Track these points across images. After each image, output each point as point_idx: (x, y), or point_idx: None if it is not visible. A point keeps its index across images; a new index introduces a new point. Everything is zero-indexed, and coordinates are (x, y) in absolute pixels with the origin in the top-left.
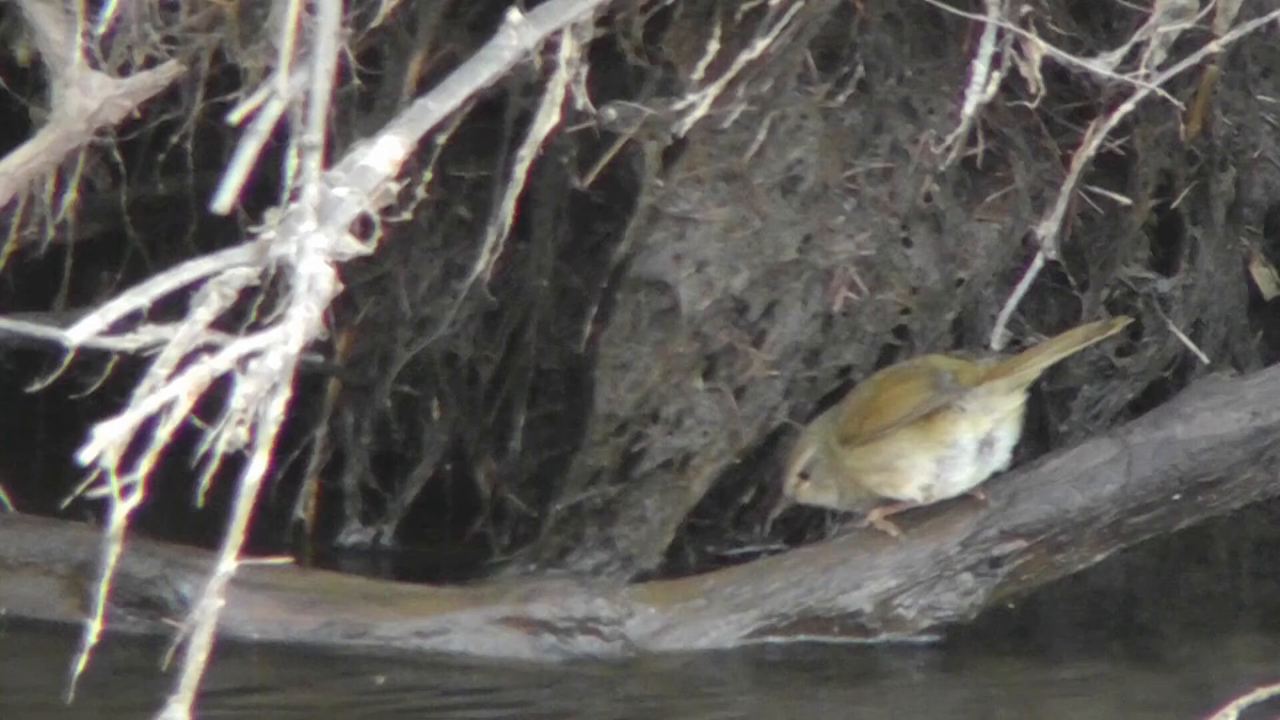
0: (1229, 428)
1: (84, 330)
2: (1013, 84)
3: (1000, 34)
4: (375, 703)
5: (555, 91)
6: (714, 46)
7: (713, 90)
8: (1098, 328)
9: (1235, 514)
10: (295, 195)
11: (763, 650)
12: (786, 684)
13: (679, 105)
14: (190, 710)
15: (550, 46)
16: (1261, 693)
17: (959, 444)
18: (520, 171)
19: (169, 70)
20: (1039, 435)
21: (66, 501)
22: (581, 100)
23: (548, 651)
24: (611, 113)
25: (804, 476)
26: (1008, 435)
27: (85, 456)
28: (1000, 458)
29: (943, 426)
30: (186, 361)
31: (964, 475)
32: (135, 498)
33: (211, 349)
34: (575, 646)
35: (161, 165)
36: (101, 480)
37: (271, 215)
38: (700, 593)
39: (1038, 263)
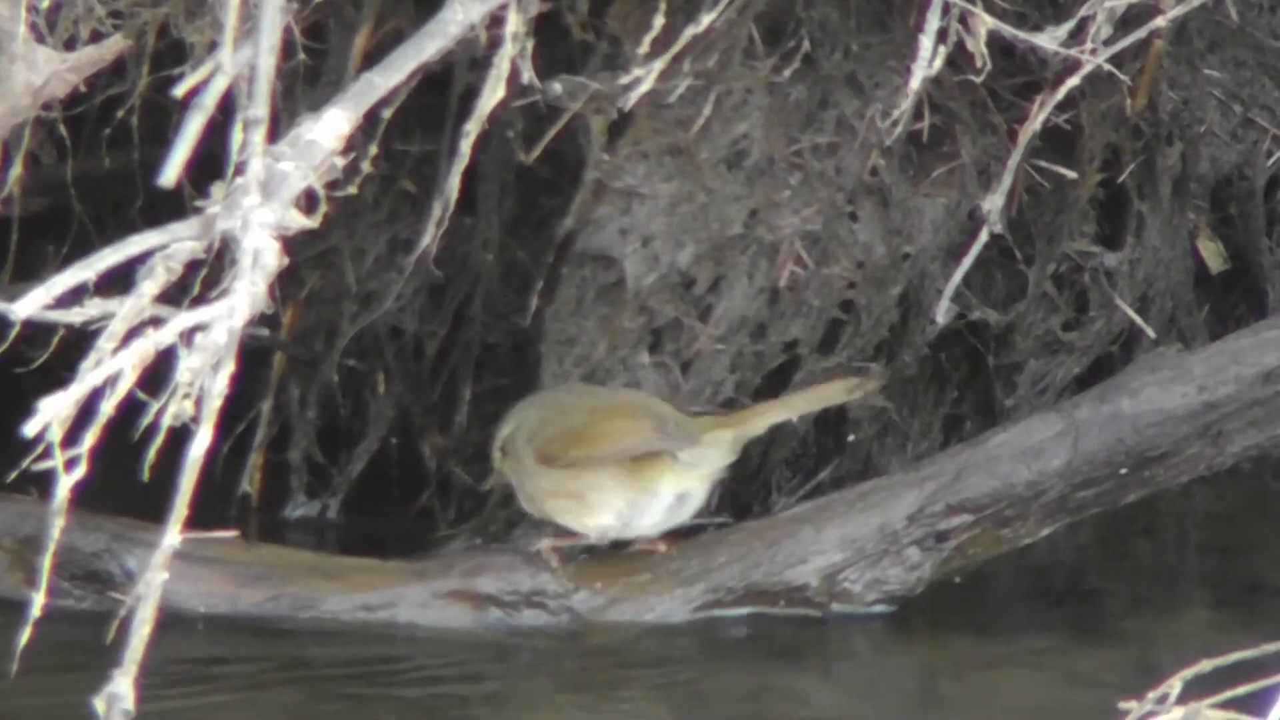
0: (1175, 402)
1: (30, 304)
2: (959, 59)
3: (946, 8)
4: (322, 677)
5: (501, 66)
6: (659, 21)
7: (658, 65)
8: (850, 385)
9: (1182, 488)
10: (240, 170)
11: (710, 624)
12: (734, 657)
13: (625, 80)
14: (134, 683)
15: (496, 21)
16: (1206, 665)
17: (658, 492)
18: (466, 146)
19: (115, 45)
20: (985, 410)
21: (12, 475)
22: (527, 75)
23: (494, 625)
24: (557, 87)
25: (504, 452)
26: (701, 493)
27: (30, 430)
28: (687, 513)
29: (650, 472)
30: (132, 335)
31: (650, 522)
32: (80, 471)
33: (157, 323)
34: (521, 620)
35: (107, 140)
36: (46, 454)
37: (217, 190)
38: (646, 567)
39: (983, 237)
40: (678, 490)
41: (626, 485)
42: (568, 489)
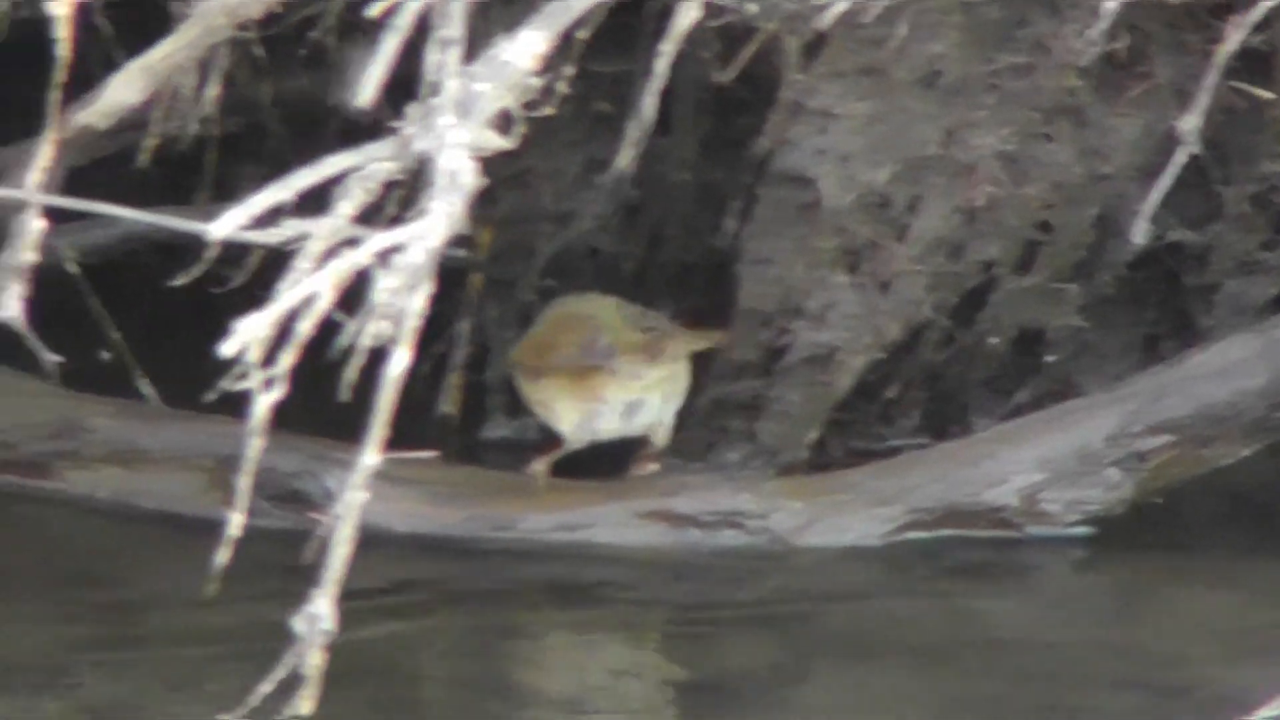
0: None
1: (227, 224)
2: None
3: None
4: (521, 596)
5: None
6: None
7: None
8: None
9: None
10: (436, 90)
11: (906, 546)
12: (931, 579)
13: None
14: (333, 603)
15: None
16: None
17: (607, 400)
18: (661, 66)
19: None
20: (1183, 331)
21: (210, 396)
22: None
23: (692, 545)
24: (752, 6)
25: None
26: (657, 399)
27: (228, 350)
28: (648, 418)
29: (592, 383)
30: (329, 256)
31: (611, 428)
32: (278, 391)
33: (354, 243)
34: (719, 540)
35: (303, 60)
36: (244, 374)
37: (413, 110)
38: (844, 487)
39: (1180, 157)
40: (625, 399)
41: (574, 396)
42: (534, 398)
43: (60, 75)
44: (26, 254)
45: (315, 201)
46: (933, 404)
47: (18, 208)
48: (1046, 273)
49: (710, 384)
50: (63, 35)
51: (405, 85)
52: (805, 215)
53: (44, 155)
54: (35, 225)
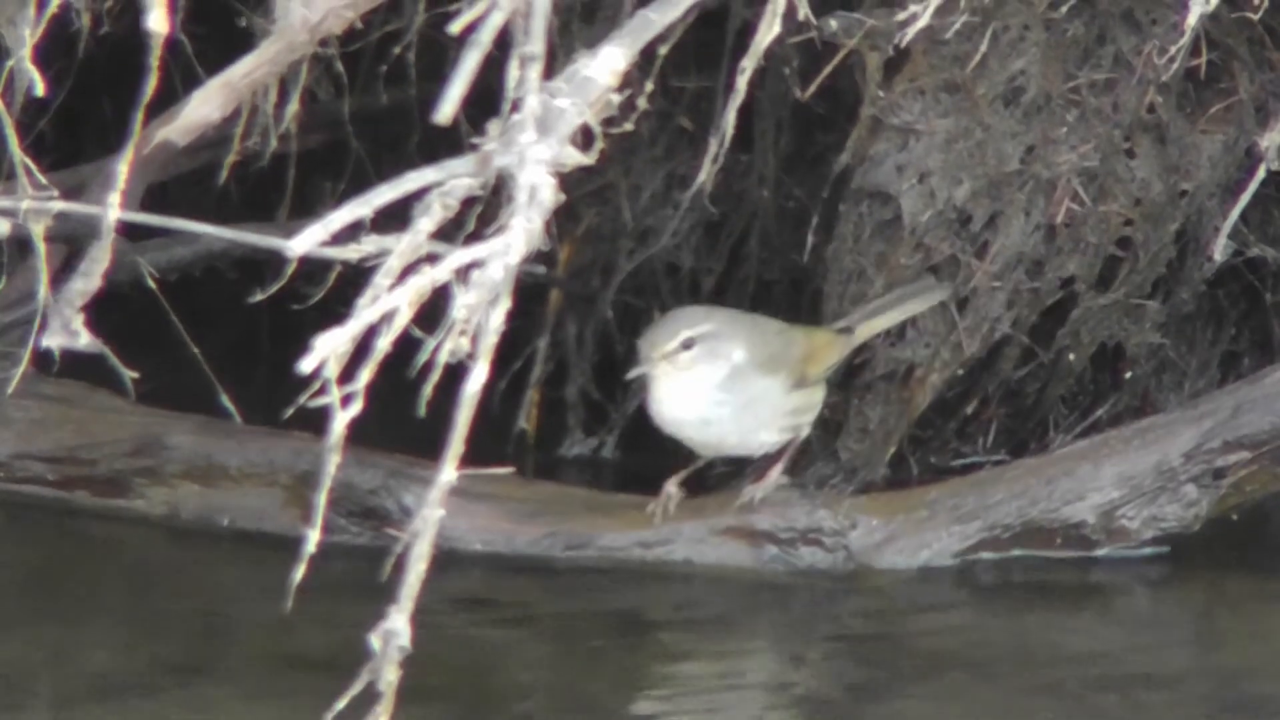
0: None
1: (307, 240)
2: None
3: None
4: (598, 613)
5: (777, 2)
6: None
7: (934, 1)
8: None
9: None
10: (517, 106)
11: (985, 563)
12: (1008, 598)
13: (901, 16)
14: (410, 621)
15: None
16: None
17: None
18: (742, 82)
19: None
20: (1263, 346)
21: (288, 412)
22: (803, 11)
23: (770, 562)
24: (833, 23)
25: None
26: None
27: (306, 366)
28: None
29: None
30: (408, 272)
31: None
32: (356, 408)
33: (433, 259)
34: (798, 558)
35: (384, 76)
36: (323, 390)
37: (493, 126)
38: (923, 504)
39: (1261, 173)
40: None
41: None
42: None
43: (147, 95)
44: (93, 282)
45: (395, 218)
46: (1011, 421)
47: (96, 226)
48: (1126, 289)
49: None
50: (155, 53)
51: (486, 101)
52: (886, 231)
53: (124, 172)
54: (106, 254)
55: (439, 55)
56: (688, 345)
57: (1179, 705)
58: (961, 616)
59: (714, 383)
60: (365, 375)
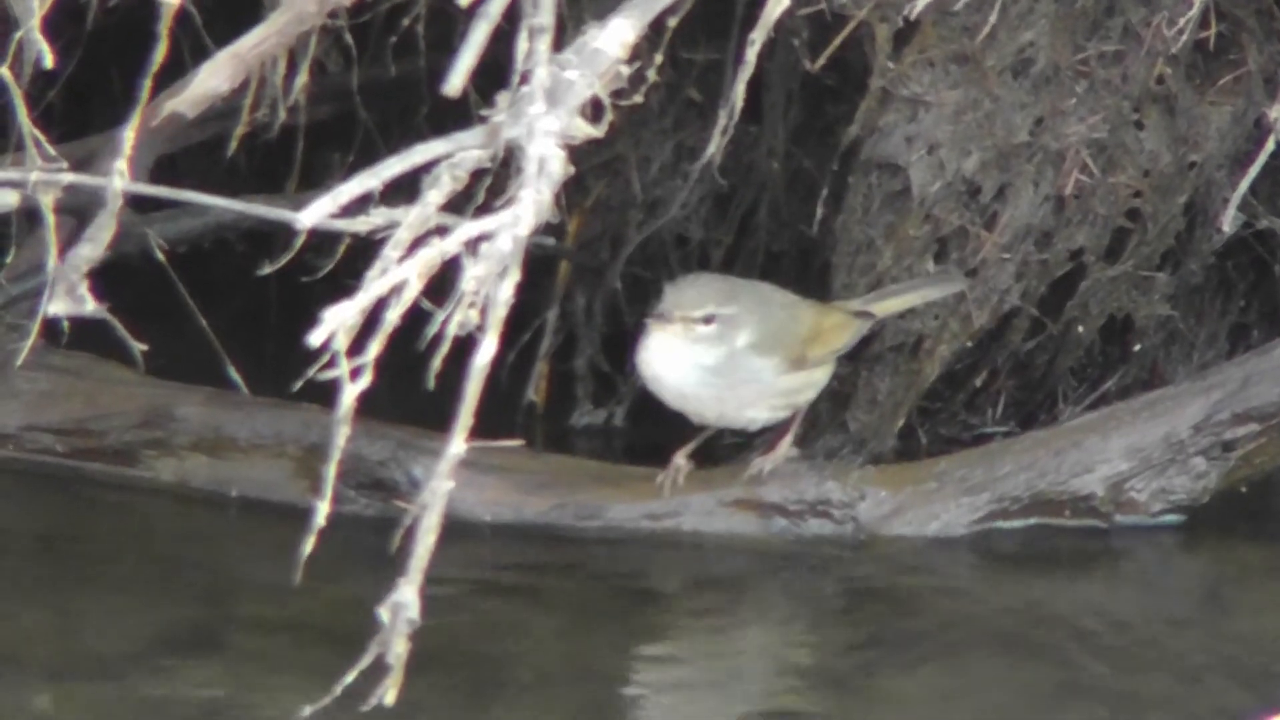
0: None
1: (316, 213)
2: None
3: None
4: (607, 584)
5: None
6: None
7: None
8: None
9: None
10: (526, 78)
11: (994, 535)
12: (1018, 568)
13: None
14: (419, 592)
15: None
16: None
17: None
18: (752, 54)
19: None
20: (1272, 318)
21: (298, 384)
22: None
23: (779, 534)
24: None
25: None
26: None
27: (316, 339)
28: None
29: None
30: (417, 244)
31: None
32: (365, 380)
33: (442, 231)
34: (806, 529)
35: (393, 47)
36: (332, 363)
37: (502, 98)
38: (932, 476)
39: (1270, 145)
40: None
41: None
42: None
43: (156, 63)
44: (99, 249)
45: (404, 190)
46: (1020, 392)
47: (104, 195)
48: (1135, 261)
49: None
50: (165, 24)
51: (495, 72)
52: (895, 203)
53: (130, 139)
54: (112, 220)
55: (448, 27)
56: (708, 320)
57: (1184, 671)
58: (971, 585)
59: (707, 364)
60: (374, 348)
